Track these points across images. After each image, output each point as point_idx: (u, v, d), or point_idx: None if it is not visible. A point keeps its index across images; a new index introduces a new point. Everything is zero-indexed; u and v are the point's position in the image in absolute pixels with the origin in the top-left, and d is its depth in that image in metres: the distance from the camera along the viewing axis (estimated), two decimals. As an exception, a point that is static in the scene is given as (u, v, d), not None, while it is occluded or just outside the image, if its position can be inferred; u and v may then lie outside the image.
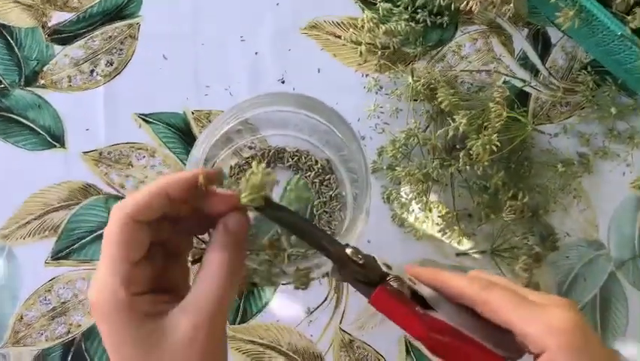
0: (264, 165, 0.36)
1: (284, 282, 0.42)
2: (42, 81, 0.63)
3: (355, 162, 0.49)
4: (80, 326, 0.59)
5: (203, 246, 0.38)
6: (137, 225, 0.33)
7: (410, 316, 0.37)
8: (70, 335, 0.59)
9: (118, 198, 0.61)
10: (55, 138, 0.62)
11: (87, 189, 0.61)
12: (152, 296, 0.34)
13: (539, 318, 0.35)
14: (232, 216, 0.36)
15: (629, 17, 0.54)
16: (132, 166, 0.62)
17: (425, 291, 0.38)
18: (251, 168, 0.59)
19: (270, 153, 0.61)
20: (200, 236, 0.40)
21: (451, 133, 0.56)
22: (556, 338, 0.34)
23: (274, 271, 0.43)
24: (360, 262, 0.37)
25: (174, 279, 0.37)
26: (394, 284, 0.37)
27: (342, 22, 0.65)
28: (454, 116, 0.56)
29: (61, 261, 0.60)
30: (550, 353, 0.33)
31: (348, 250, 0.37)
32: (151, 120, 0.62)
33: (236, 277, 0.35)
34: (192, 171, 0.35)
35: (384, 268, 0.38)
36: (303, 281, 0.41)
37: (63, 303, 0.59)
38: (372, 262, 0.38)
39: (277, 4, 0.65)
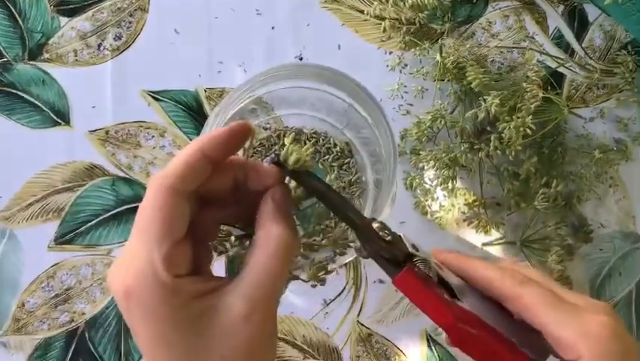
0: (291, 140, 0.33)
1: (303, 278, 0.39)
2: (47, 55, 0.60)
3: (379, 145, 0.46)
4: (84, 314, 0.56)
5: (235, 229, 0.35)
6: (180, 197, 0.29)
7: (438, 302, 0.34)
8: (73, 324, 0.56)
9: (125, 180, 0.58)
10: (59, 116, 0.59)
11: (93, 170, 0.58)
12: (195, 278, 0.30)
13: (575, 322, 0.32)
14: (278, 189, 0.33)
15: (679, -9, 0.49)
16: (140, 146, 0.58)
17: (453, 279, 0.35)
18: (265, 149, 0.56)
19: (286, 135, 0.58)
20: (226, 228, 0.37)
21: (481, 115, 0.52)
22: (593, 345, 0.31)
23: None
24: (387, 238, 0.34)
25: (202, 265, 0.34)
26: (421, 267, 0.34)
27: (364, -4, 0.61)
28: (485, 97, 0.52)
29: (64, 246, 0.57)
30: (585, 360, 0.31)
31: (375, 225, 0.34)
32: (161, 98, 0.59)
33: (292, 253, 0.32)
34: (226, 127, 0.31)
35: (410, 249, 0.35)
36: (318, 277, 0.38)
37: (67, 290, 0.56)
38: (399, 241, 0.35)
39: (296, -25, 0.61)
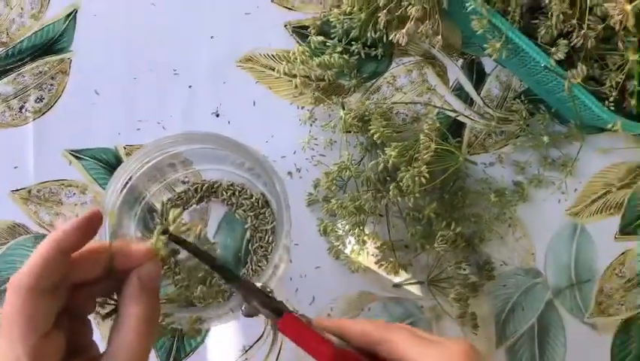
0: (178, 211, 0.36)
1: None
2: (-31, 118, 0.62)
3: (275, 198, 0.49)
4: None
5: (111, 301, 0.38)
6: (39, 294, 0.31)
7: (319, 341, 0.37)
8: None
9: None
10: (-18, 177, 0.61)
11: (15, 229, 0.60)
12: None
13: (438, 352, 0.36)
14: (146, 268, 0.35)
15: (553, 49, 0.54)
16: (62, 204, 0.60)
17: (333, 340, 0.38)
18: (183, 202, 0.58)
19: (204, 188, 0.61)
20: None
21: (381, 165, 0.56)
22: None
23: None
24: (270, 293, 0.37)
25: (82, 340, 0.36)
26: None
27: (277, 55, 0.65)
28: (386, 148, 0.56)
29: None
30: None
31: (258, 284, 0.38)
32: (82, 157, 0.61)
33: (154, 328, 0.35)
34: (77, 218, 0.33)
35: (291, 309, 0.38)
36: (194, 329, 0.40)
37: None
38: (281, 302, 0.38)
39: (212, 37, 0.65)
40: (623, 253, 0.63)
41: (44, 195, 0.60)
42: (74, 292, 0.34)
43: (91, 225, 0.34)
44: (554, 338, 0.61)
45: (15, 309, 0.30)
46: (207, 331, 0.58)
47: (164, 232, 0.36)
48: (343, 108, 0.60)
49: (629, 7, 0.48)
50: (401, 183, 0.55)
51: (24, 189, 0.60)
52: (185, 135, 0.51)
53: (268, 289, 0.38)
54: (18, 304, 0.30)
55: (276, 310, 0.38)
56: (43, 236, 0.59)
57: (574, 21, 0.53)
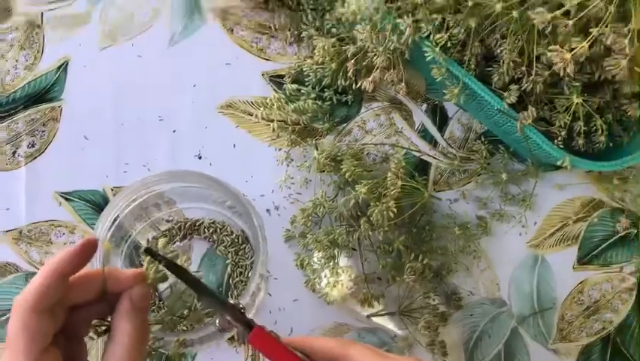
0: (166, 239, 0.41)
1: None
2: (-37, 163, 0.65)
3: (252, 231, 0.53)
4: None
5: (105, 323, 0.41)
6: (39, 314, 0.35)
7: (288, 353, 0.40)
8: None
9: (37, 274, 0.62)
10: (-26, 218, 0.64)
11: (6, 268, 0.63)
12: None
13: None
14: (136, 289, 0.39)
15: (506, 94, 0.60)
16: (52, 243, 0.64)
17: (298, 355, 0.41)
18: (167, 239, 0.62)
19: (187, 226, 0.64)
20: None
21: (352, 201, 0.60)
22: None
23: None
24: (242, 310, 0.41)
25: (77, 359, 0.39)
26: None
27: (255, 102, 0.69)
28: (357, 186, 0.61)
29: (-22, 340, 0.60)
30: None
31: (232, 301, 0.41)
32: (71, 198, 0.65)
33: (143, 346, 0.38)
34: (75, 245, 0.38)
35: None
36: (178, 354, 0.44)
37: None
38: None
39: (194, 85, 0.69)
40: (581, 282, 0.67)
41: (35, 235, 0.64)
42: (71, 313, 0.38)
43: (86, 251, 0.38)
44: (520, 364, 0.64)
45: (19, 325, 0.34)
46: (194, 357, 0.60)
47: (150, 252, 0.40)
48: (317, 149, 0.65)
49: (568, 56, 0.53)
50: (371, 218, 0.59)
51: (15, 229, 0.64)
52: (170, 173, 0.55)
53: (241, 305, 0.42)
54: (21, 321, 0.34)
55: (248, 325, 0.41)
56: (34, 274, 0.62)
57: (523, 68, 0.59)
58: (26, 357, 0.34)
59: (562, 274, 0.67)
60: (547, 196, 0.69)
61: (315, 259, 0.64)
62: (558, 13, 0.53)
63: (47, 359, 0.35)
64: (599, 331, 0.66)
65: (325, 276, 0.64)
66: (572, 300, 0.67)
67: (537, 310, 0.66)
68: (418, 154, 0.69)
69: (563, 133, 0.61)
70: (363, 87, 0.63)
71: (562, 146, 0.60)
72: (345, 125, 0.70)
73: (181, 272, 0.41)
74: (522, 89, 0.60)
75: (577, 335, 0.66)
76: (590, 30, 0.54)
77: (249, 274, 0.63)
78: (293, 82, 0.69)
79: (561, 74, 0.56)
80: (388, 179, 0.60)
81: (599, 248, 0.68)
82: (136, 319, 0.38)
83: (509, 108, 0.60)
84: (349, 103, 0.70)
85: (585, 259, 0.68)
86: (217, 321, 0.42)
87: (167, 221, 0.65)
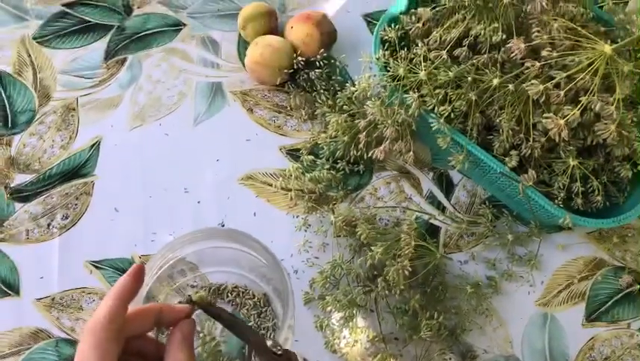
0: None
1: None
2: (1, 235, 0.69)
3: (279, 283, 0.56)
4: None
5: None
6: (110, 335, 0.39)
7: None
8: None
9: (68, 341, 0.65)
10: (9, 287, 0.67)
11: (38, 334, 0.65)
12: None
13: None
14: (186, 323, 0.44)
15: (507, 159, 0.65)
16: (82, 310, 0.67)
17: None
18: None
19: (211, 290, 0.68)
20: None
21: (369, 262, 0.64)
22: None
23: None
24: (279, 352, 0.43)
25: None
26: None
27: (273, 173, 0.75)
28: (373, 247, 0.65)
29: (8, 407, 0.62)
30: None
31: (269, 342, 0.44)
32: (101, 266, 0.69)
33: None
34: (126, 274, 0.43)
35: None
36: None
37: None
38: (292, 355, 0.44)
39: (217, 160, 0.75)
40: (591, 339, 0.69)
41: (66, 302, 0.67)
42: (125, 345, 0.41)
43: (139, 276, 0.43)
44: (538, 421, 0.66)
45: (92, 343, 0.38)
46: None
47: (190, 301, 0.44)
48: (334, 213, 0.69)
49: (562, 122, 0.59)
50: (387, 277, 0.63)
51: (48, 297, 0.67)
52: (206, 231, 0.59)
53: (278, 348, 0.44)
54: (95, 339, 0.38)
55: None
56: (64, 340, 0.65)
57: (522, 135, 0.65)
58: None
59: (572, 330, 0.70)
60: (552, 256, 0.73)
61: (334, 320, 0.67)
62: (550, 84, 0.60)
63: None
64: (613, 387, 0.68)
65: (344, 336, 0.67)
66: (584, 356, 0.69)
67: (551, 366, 0.68)
68: (427, 217, 0.73)
69: (562, 194, 0.66)
70: (374, 157, 0.68)
71: (562, 205, 0.65)
72: (357, 192, 0.75)
73: (222, 315, 0.45)
74: (521, 154, 0.65)
75: (591, 391, 0.67)
76: (580, 99, 0.60)
77: (272, 335, 0.66)
78: (308, 154, 0.74)
79: (556, 139, 0.61)
80: (402, 239, 0.64)
81: (606, 305, 0.71)
82: (187, 349, 0.41)
83: (511, 172, 0.65)
84: (361, 172, 0.75)
85: (593, 316, 0.71)
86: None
87: (192, 286, 0.68)
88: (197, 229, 0.56)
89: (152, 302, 0.64)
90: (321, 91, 0.76)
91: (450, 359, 0.67)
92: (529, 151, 0.65)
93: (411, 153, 0.68)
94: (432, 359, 0.67)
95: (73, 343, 0.65)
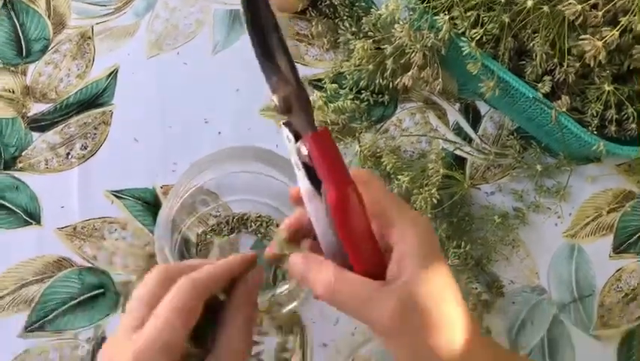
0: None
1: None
2: (20, 165, 0.68)
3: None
4: (50, 397, 0.60)
5: None
6: (202, 297, 0.38)
7: (343, 166, 0.39)
8: (41, 406, 0.60)
9: (90, 269, 0.64)
10: (31, 216, 0.66)
11: (61, 263, 0.65)
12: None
13: (408, 213, 0.41)
14: (251, 273, 0.43)
15: (539, 84, 0.63)
16: (104, 239, 0.66)
17: None
18: (215, 234, 0.64)
19: (234, 220, 0.67)
20: None
21: (395, 190, 0.63)
22: (418, 232, 0.39)
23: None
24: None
25: None
26: None
27: (295, 104, 0.73)
28: (399, 176, 0.63)
29: (34, 333, 0.62)
30: (406, 243, 0.39)
31: None
32: (122, 196, 0.67)
33: (253, 326, 0.41)
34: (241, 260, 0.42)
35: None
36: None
37: (35, 375, 0.61)
38: None
39: (237, 89, 0.73)
40: (618, 270, 0.68)
41: (88, 231, 0.66)
42: None
43: (246, 264, 0.42)
44: (563, 351, 0.65)
45: (183, 299, 0.37)
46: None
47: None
48: (359, 143, 0.68)
49: (599, 43, 0.56)
50: (415, 205, 0.62)
51: (69, 226, 0.66)
52: (231, 150, 0.57)
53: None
54: (187, 296, 0.37)
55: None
56: (88, 269, 0.64)
57: (555, 60, 0.62)
58: (176, 330, 0.36)
59: (599, 262, 0.69)
60: (581, 188, 0.71)
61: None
62: (587, 5, 0.57)
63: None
64: (640, 317, 0.68)
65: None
66: (611, 287, 0.68)
67: (577, 297, 0.67)
68: (453, 149, 0.71)
69: (595, 121, 0.63)
70: (400, 85, 0.66)
71: (595, 133, 0.63)
72: (381, 124, 0.73)
73: None
74: (555, 79, 0.63)
75: (617, 321, 0.67)
76: (619, 20, 0.57)
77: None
78: (332, 83, 0.72)
79: (592, 63, 0.59)
80: (430, 167, 0.62)
81: (635, 237, 0.70)
82: (250, 303, 0.41)
83: (544, 98, 0.63)
84: (385, 103, 0.73)
85: (621, 247, 0.69)
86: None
87: (215, 216, 0.67)
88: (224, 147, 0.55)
89: (176, 233, 0.64)
90: (345, 17, 0.73)
91: (476, 288, 0.66)
92: (563, 77, 0.62)
93: (439, 80, 0.66)
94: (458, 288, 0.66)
95: (96, 271, 0.64)
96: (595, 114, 0.63)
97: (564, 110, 0.62)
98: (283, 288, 0.53)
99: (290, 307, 0.56)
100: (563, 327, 0.66)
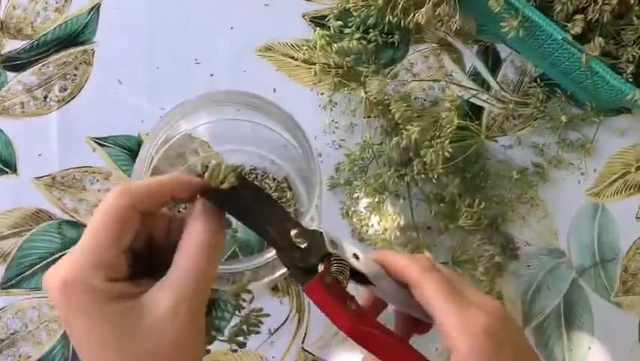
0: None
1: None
2: (-6, 108, 0.63)
3: (308, 170, 0.49)
4: (29, 357, 0.56)
5: None
6: (135, 213, 0.32)
7: (340, 311, 0.36)
8: (18, 367, 0.56)
9: (71, 223, 0.60)
10: (6, 165, 0.61)
11: (39, 215, 0.60)
12: (129, 282, 0.32)
13: (460, 315, 0.34)
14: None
15: (570, 25, 0.56)
16: (86, 190, 0.61)
17: (368, 268, 0.37)
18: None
19: (227, 172, 0.61)
20: None
21: (403, 142, 0.57)
22: (468, 339, 0.34)
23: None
24: (302, 245, 0.36)
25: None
26: (334, 267, 0.36)
27: (295, 44, 0.66)
28: (407, 128, 0.57)
29: (10, 290, 0.58)
30: (458, 353, 0.34)
31: (293, 232, 0.36)
32: (105, 144, 0.62)
33: (217, 251, 0.34)
34: (198, 179, 0.35)
35: (329, 247, 0.36)
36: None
37: (12, 334, 0.57)
38: (318, 240, 0.36)
39: (231, 27, 0.66)
40: (645, 233, 0.63)
41: (68, 182, 0.61)
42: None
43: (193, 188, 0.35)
44: (581, 317, 0.60)
45: (110, 216, 0.31)
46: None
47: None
48: (364, 89, 0.61)
49: (645, -24, 0.49)
50: (425, 158, 0.56)
51: (48, 175, 0.61)
52: (221, 93, 0.51)
53: (302, 240, 0.37)
54: (115, 212, 0.31)
55: (308, 268, 0.37)
56: (67, 222, 0.60)
57: (589, -4, 0.55)
58: (107, 250, 0.30)
59: (624, 223, 0.63)
60: (607, 142, 0.65)
61: (361, 208, 0.61)
62: None
63: (119, 260, 0.32)
64: (665, 284, 0.62)
65: (372, 226, 0.61)
66: (636, 251, 0.62)
67: (598, 261, 0.62)
68: (468, 97, 0.65)
69: (630, 68, 0.57)
70: (413, 23, 0.59)
71: (630, 80, 0.56)
72: (391, 68, 0.66)
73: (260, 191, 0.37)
74: (587, 19, 0.56)
75: (641, 288, 0.62)
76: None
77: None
78: (337, 20, 0.65)
79: (632, 1, 0.52)
80: (443, 117, 0.56)
81: (665, 197, 0.64)
82: (212, 220, 0.33)
83: (574, 40, 0.56)
84: (395, 44, 0.66)
85: (649, 208, 0.64)
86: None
87: (206, 167, 0.61)
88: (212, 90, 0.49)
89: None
90: (352, -54, 0.65)
91: (489, 250, 0.60)
92: (597, 15, 0.55)
93: (456, 18, 0.59)
94: (469, 250, 0.61)
95: (77, 225, 0.60)
96: (630, 59, 0.56)
97: (596, 54, 0.55)
98: (272, 253, 0.47)
99: (282, 271, 0.51)
100: (581, 293, 0.61)
